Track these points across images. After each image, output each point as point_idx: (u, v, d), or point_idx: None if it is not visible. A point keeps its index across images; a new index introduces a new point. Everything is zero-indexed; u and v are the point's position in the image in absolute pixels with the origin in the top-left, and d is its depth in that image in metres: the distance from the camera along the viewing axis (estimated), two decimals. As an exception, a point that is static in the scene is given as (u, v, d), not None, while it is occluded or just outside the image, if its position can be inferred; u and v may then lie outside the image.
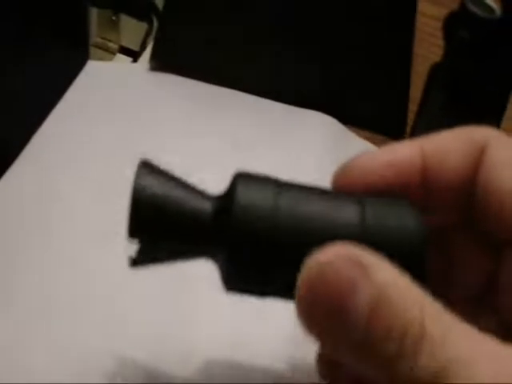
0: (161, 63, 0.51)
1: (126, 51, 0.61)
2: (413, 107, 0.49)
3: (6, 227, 0.39)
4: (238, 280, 0.23)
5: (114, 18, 0.60)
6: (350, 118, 0.51)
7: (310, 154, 0.47)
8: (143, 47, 0.57)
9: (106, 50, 0.61)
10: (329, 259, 0.19)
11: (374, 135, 0.51)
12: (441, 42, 0.44)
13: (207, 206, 0.24)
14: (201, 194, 0.24)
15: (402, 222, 0.23)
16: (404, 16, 0.49)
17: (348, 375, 0.26)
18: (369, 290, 0.19)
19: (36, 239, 0.38)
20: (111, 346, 0.34)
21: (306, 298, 0.20)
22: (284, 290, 0.23)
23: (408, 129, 0.51)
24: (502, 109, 0.45)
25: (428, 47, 0.52)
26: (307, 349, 0.35)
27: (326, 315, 0.19)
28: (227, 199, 0.23)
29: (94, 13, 0.58)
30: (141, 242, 0.24)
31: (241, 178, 0.23)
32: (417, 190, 0.25)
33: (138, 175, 0.23)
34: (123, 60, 0.60)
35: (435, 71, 0.45)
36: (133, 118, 0.47)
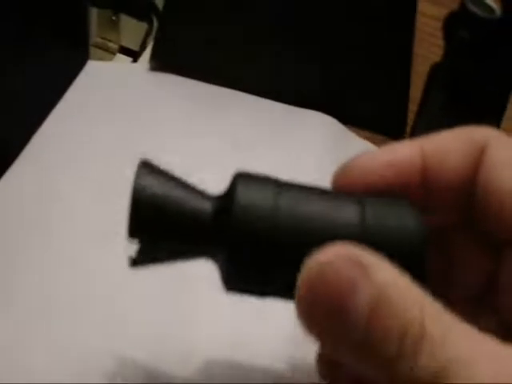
0: (161, 63, 0.51)
1: (125, 51, 0.61)
2: (413, 107, 0.49)
3: (6, 227, 0.39)
4: (237, 280, 0.23)
5: (114, 17, 0.60)
6: (349, 118, 0.51)
7: (310, 154, 0.47)
8: (143, 47, 0.57)
9: (106, 50, 0.61)
10: (329, 259, 0.19)
11: (374, 135, 0.51)
12: (441, 42, 0.44)
13: (207, 206, 0.24)
14: (201, 194, 0.24)
15: (401, 222, 0.23)
16: (404, 16, 0.49)
17: (348, 375, 0.26)
18: (369, 290, 0.19)
19: (36, 239, 0.38)
20: (111, 345, 0.34)
21: (305, 298, 0.20)
22: (284, 290, 0.23)
23: (408, 129, 0.51)
24: (502, 109, 0.45)
25: (428, 47, 0.52)
26: (307, 349, 0.35)
27: (325, 315, 0.19)
28: (227, 199, 0.23)
29: (94, 13, 0.58)
30: (141, 241, 0.24)
31: (241, 178, 0.23)
32: (417, 190, 0.25)
33: (138, 175, 0.23)
34: (123, 60, 0.60)
35: (435, 71, 0.45)
36: (133, 118, 0.47)
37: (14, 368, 0.32)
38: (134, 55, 0.59)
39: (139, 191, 0.23)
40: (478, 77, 0.44)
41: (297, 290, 0.20)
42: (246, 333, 0.35)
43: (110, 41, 0.61)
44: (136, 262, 0.24)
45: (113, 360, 0.33)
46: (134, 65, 0.56)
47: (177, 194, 0.23)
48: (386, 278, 0.19)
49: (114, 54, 0.61)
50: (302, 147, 0.47)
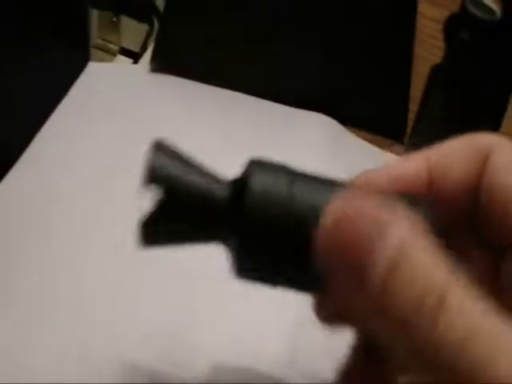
0: (162, 65, 0.51)
1: (126, 52, 0.61)
2: (414, 107, 0.49)
3: (6, 228, 0.39)
4: (248, 267, 0.23)
5: (114, 19, 0.60)
6: (349, 118, 0.51)
7: (310, 155, 0.47)
8: (144, 48, 0.57)
9: (107, 51, 0.61)
10: (347, 210, 0.19)
11: (374, 136, 0.51)
12: (441, 44, 0.44)
13: (221, 190, 0.24)
14: (215, 177, 0.24)
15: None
16: (404, 16, 0.49)
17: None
18: (386, 251, 0.18)
19: (37, 240, 0.38)
20: (111, 345, 0.34)
21: (323, 246, 0.19)
22: (296, 280, 0.23)
23: (408, 130, 0.51)
24: (503, 110, 0.45)
25: (429, 49, 0.52)
26: (307, 350, 0.35)
27: (343, 268, 0.19)
28: (241, 184, 0.23)
29: (94, 14, 0.57)
30: (153, 221, 0.23)
31: (255, 164, 0.23)
32: None
33: (152, 155, 0.24)
34: (124, 61, 0.60)
35: (436, 72, 0.45)
36: (133, 120, 0.47)
37: (13, 368, 0.32)
38: (135, 56, 0.58)
39: (153, 171, 0.23)
40: (478, 78, 0.44)
41: (321, 225, 0.19)
42: (246, 334, 0.35)
43: (110, 42, 0.61)
44: (147, 241, 0.24)
45: (113, 360, 0.33)
46: (135, 66, 0.56)
47: (190, 175, 0.23)
48: (406, 238, 0.19)
49: (114, 55, 0.61)
50: (301, 148, 0.47)
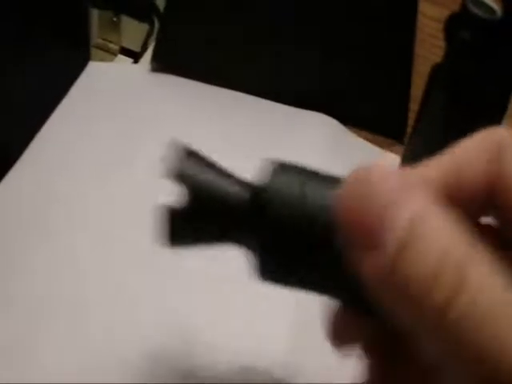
0: (162, 64, 0.51)
1: (126, 52, 0.61)
2: (414, 107, 0.49)
3: (6, 227, 0.39)
4: (270, 269, 0.24)
5: (114, 19, 0.60)
6: (350, 118, 0.51)
7: (311, 155, 0.47)
8: (144, 48, 0.57)
9: (107, 51, 0.61)
10: (356, 182, 0.19)
11: (375, 136, 0.51)
12: (442, 43, 0.44)
13: (241, 193, 0.24)
14: (236, 180, 0.25)
15: None
16: (404, 16, 0.49)
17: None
18: (396, 231, 0.18)
19: (36, 240, 0.38)
20: (111, 345, 0.34)
21: (339, 215, 0.19)
22: (317, 281, 0.23)
23: (409, 129, 0.51)
24: (503, 109, 0.45)
25: (429, 48, 0.52)
26: (307, 350, 0.35)
27: (356, 238, 0.18)
28: (260, 187, 0.23)
29: (94, 14, 0.57)
30: (178, 223, 0.24)
31: (274, 167, 0.24)
32: None
33: (179, 160, 0.24)
34: (124, 61, 0.60)
35: (436, 72, 0.45)
36: (134, 119, 0.47)
37: (13, 368, 0.32)
38: (135, 56, 0.58)
39: (181, 175, 0.24)
40: (478, 78, 0.44)
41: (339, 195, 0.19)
42: (246, 334, 0.35)
43: (110, 42, 0.61)
44: (173, 242, 0.25)
45: (113, 360, 0.33)
46: (135, 66, 0.56)
47: (214, 179, 0.24)
48: (420, 211, 0.18)
49: (115, 55, 0.61)
50: (302, 148, 0.47)
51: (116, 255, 0.38)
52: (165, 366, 0.33)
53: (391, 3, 0.48)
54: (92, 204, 0.41)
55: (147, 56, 0.55)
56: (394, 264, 0.18)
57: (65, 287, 0.36)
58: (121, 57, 0.61)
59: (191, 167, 0.24)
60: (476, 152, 0.24)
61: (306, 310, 0.36)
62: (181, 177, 0.24)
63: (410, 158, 0.45)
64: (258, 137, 0.48)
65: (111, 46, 0.61)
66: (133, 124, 0.47)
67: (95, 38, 0.60)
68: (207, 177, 0.24)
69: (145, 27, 0.57)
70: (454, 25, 0.43)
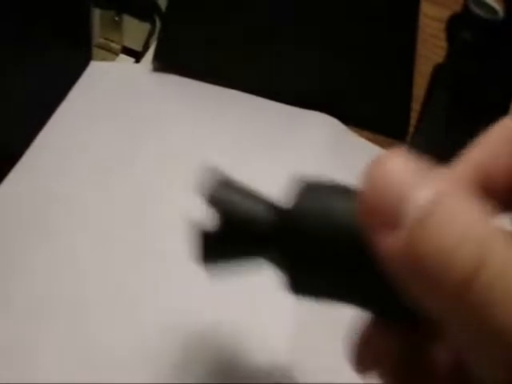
0: (163, 64, 0.51)
1: (128, 52, 0.61)
2: (416, 107, 0.49)
3: (6, 227, 0.39)
4: (303, 285, 0.24)
5: (116, 18, 0.60)
6: (351, 118, 0.51)
7: (312, 155, 0.46)
8: (146, 48, 0.57)
9: (109, 50, 0.61)
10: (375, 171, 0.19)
11: (377, 136, 0.51)
12: (444, 44, 0.44)
13: (270, 216, 0.25)
14: (264, 201, 0.26)
15: None
16: (405, 16, 0.49)
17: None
18: (408, 219, 0.17)
19: (36, 240, 0.38)
20: (111, 346, 0.34)
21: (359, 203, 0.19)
22: (349, 294, 0.23)
23: (411, 129, 0.51)
24: (505, 109, 0.45)
25: (431, 48, 0.52)
26: (307, 350, 0.35)
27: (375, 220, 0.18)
28: (288, 211, 0.24)
29: (96, 13, 0.58)
30: (211, 243, 0.26)
31: (302, 187, 0.24)
32: None
33: (212, 185, 0.26)
34: (126, 60, 0.60)
35: (438, 72, 0.45)
36: (136, 119, 0.47)
37: (14, 368, 0.32)
38: (137, 56, 0.59)
39: (213, 199, 0.26)
40: (480, 77, 0.44)
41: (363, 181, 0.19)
42: (246, 333, 0.35)
43: (112, 41, 0.61)
44: (207, 261, 0.26)
45: (113, 360, 0.33)
46: (137, 65, 0.56)
47: (244, 201, 0.26)
48: (442, 189, 0.18)
49: (116, 54, 0.61)
50: (304, 148, 0.47)
51: (116, 255, 0.38)
52: (165, 365, 0.33)
53: (392, 3, 0.48)
54: (92, 204, 0.41)
55: (149, 55, 0.55)
56: (414, 239, 0.17)
57: (65, 287, 0.36)
58: (122, 56, 0.61)
59: (223, 192, 0.26)
60: (499, 147, 0.23)
61: (306, 310, 0.36)
62: (213, 202, 0.26)
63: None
64: (260, 136, 0.48)
65: (113, 45, 0.61)
66: (134, 123, 0.47)
67: (97, 37, 0.60)
68: (238, 201, 0.26)
69: (146, 27, 0.57)
70: (456, 25, 0.43)
